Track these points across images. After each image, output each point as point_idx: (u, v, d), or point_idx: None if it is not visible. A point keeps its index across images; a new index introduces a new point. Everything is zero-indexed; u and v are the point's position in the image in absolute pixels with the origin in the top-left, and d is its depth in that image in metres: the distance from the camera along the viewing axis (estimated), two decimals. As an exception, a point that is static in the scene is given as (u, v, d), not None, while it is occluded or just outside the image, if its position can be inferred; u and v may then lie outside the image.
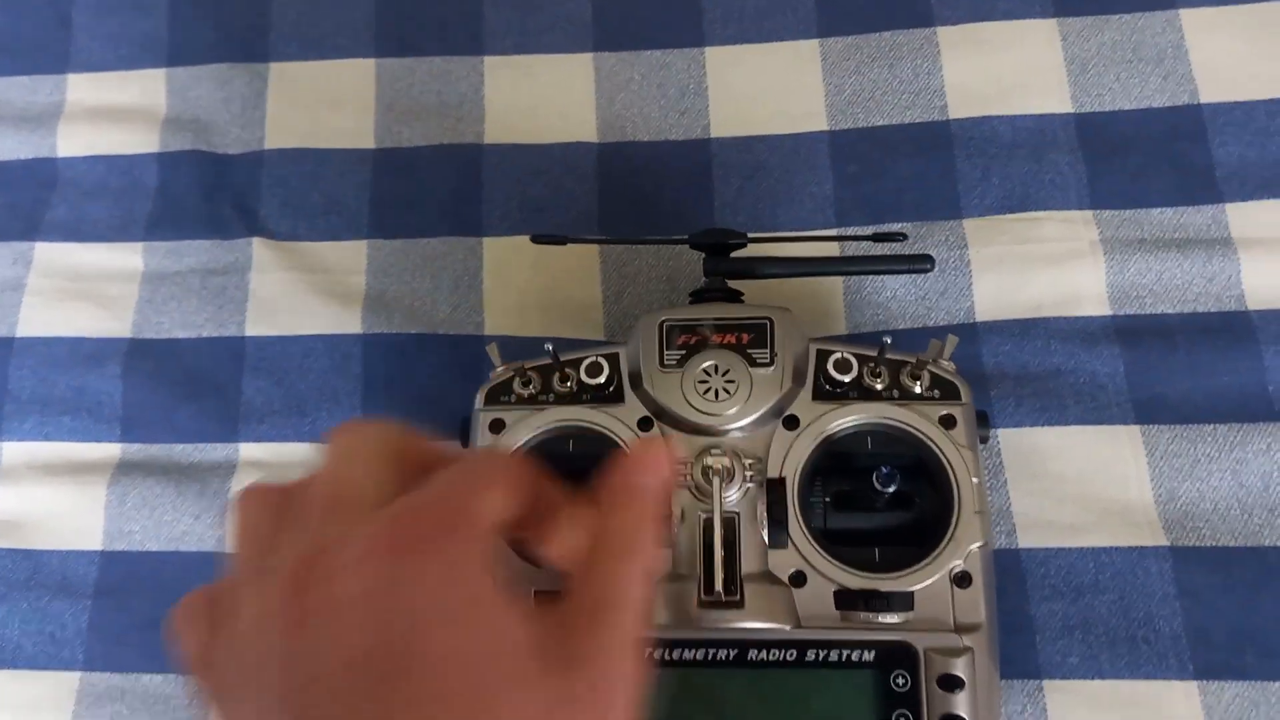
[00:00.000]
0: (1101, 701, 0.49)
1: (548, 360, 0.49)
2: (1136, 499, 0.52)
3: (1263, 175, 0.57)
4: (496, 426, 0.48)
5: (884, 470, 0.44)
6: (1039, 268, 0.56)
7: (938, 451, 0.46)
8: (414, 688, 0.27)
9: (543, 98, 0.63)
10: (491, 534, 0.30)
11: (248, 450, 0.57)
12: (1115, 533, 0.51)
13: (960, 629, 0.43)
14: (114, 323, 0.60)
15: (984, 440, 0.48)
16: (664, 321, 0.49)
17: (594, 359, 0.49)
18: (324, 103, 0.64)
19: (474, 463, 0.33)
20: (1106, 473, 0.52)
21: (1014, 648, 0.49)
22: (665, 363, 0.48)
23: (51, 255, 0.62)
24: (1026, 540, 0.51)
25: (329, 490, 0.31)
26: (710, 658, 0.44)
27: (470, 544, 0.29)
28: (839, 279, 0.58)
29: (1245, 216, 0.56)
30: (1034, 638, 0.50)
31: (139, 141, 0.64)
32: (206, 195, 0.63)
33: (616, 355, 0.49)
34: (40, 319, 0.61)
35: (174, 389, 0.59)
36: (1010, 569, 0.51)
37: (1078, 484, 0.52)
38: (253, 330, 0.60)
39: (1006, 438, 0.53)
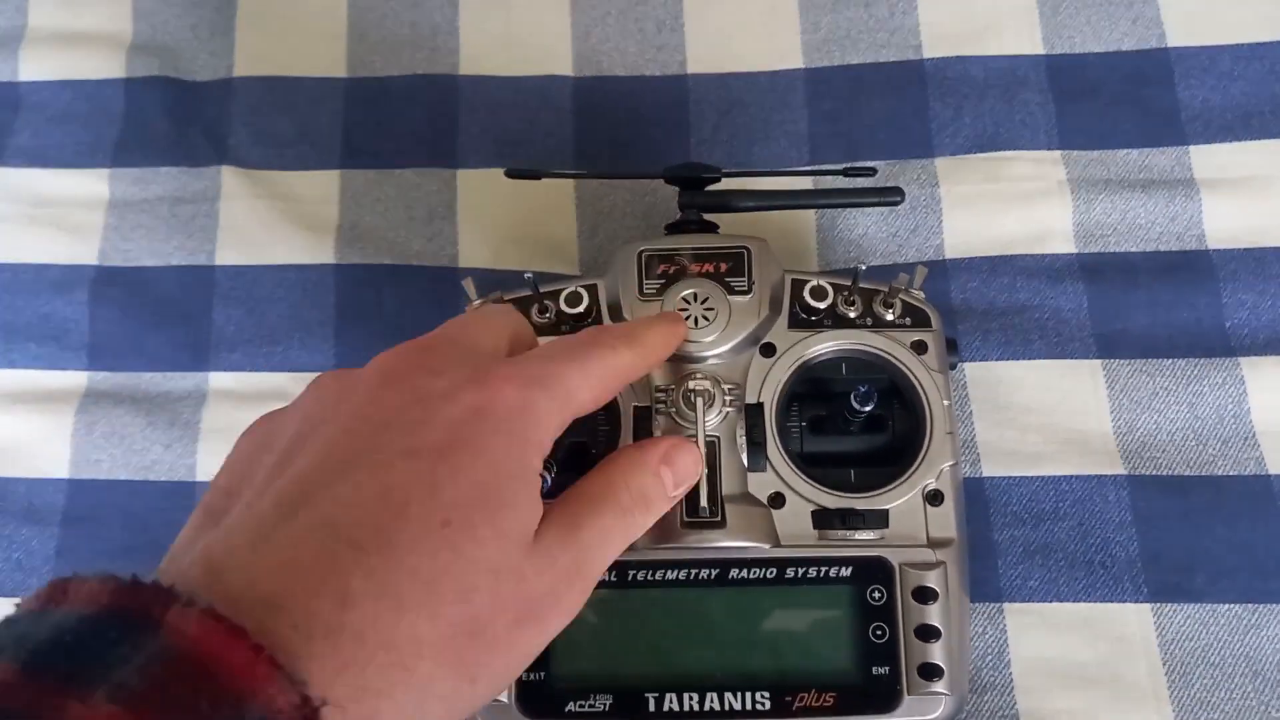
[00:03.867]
0: (1059, 623, 0.50)
1: (527, 291, 0.49)
2: (1096, 430, 0.53)
3: (1226, 119, 0.58)
4: None
5: (861, 389, 0.45)
6: (1008, 206, 0.57)
7: (910, 375, 0.47)
8: (450, 493, 0.32)
9: (518, 30, 0.63)
10: (568, 410, 0.36)
11: (218, 379, 0.57)
12: (1075, 462, 0.53)
13: (933, 544, 0.45)
14: (81, 249, 0.59)
15: (953, 367, 0.49)
16: (642, 251, 0.49)
17: (573, 289, 0.49)
18: (295, 30, 0.63)
19: (579, 345, 0.39)
20: (1068, 404, 0.54)
21: (976, 572, 0.50)
22: (645, 292, 0.48)
23: (15, 180, 0.61)
24: (990, 469, 0.53)
25: (455, 333, 0.38)
26: (693, 577, 0.45)
27: (547, 409, 0.35)
28: (812, 216, 0.59)
29: (1208, 158, 0.58)
30: (996, 562, 0.51)
31: (105, 67, 0.63)
32: (175, 122, 0.62)
33: (595, 286, 0.49)
34: (4, 244, 0.59)
35: (143, 317, 0.58)
36: (974, 497, 0.52)
37: (1040, 415, 0.54)
38: (223, 259, 0.59)
39: (972, 371, 0.55)
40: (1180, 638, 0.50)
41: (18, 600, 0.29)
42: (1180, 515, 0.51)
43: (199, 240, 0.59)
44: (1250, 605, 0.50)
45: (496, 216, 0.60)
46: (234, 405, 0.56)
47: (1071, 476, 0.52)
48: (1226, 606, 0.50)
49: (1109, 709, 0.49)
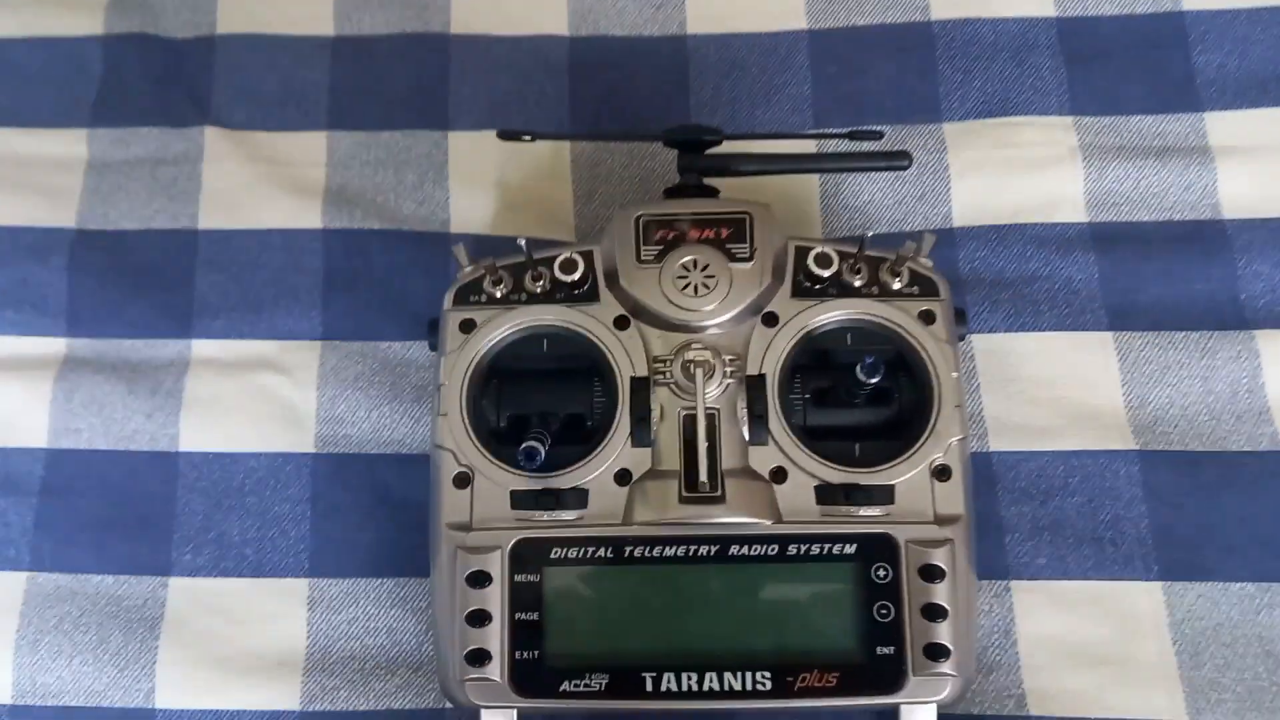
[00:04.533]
0: (1067, 601, 0.49)
1: (520, 258, 0.47)
2: (1107, 403, 0.52)
3: (1241, 84, 0.57)
4: (467, 326, 0.47)
5: (868, 360, 0.43)
6: (1018, 173, 0.56)
7: (918, 346, 0.45)
8: None
9: (512, -13, 0.60)
10: None
11: (201, 347, 0.55)
12: (1086, 436, 0.51)
13: (940, 520, 0.43)
14: (58, 212, 0.57)
15: (961, 338, 0.48)
16: (640, 216, 0.47)
17: (568, 256, 0.47)
18: (278, -15, 0.61)
19: None
20: (1078, 377, 0.52)
21: (983, 549, 0.49)
22: (642, 258, 0.47)
23: (-11, 141, 0.59)
24: (998, 443, 0.52)
25: None
26: (692, 554, 0.43)
27: None
28: (815, 181, 0.57)
29: (1223, 125, 0.56)
30: (1003, 539, 0.50)
31: (82, 24, 0.60)
32: (155, 81, 0.60)
33: (591, 252, 0.48)
34: (-24, 206, 0.57)
35: (123, 283, 0.56)
36: (981, 471, 0.51)
37: (1050, 388, 0.52)
38: (206, 223, 0.57)
39: (980, 342, 0.53)
40: (1191, 616, 0.48)
41: None
42: (1192, 491, 0.50)
43: (181, 203, 0.57)
44: (1263, 584, 0.49)
45: (489, 180, 0.58)
46: (217, 373, 0.54)
47: (1081, 451, 0.51)
48: (1239, 585, 0.49)
49: (1118, 689, 0.47)
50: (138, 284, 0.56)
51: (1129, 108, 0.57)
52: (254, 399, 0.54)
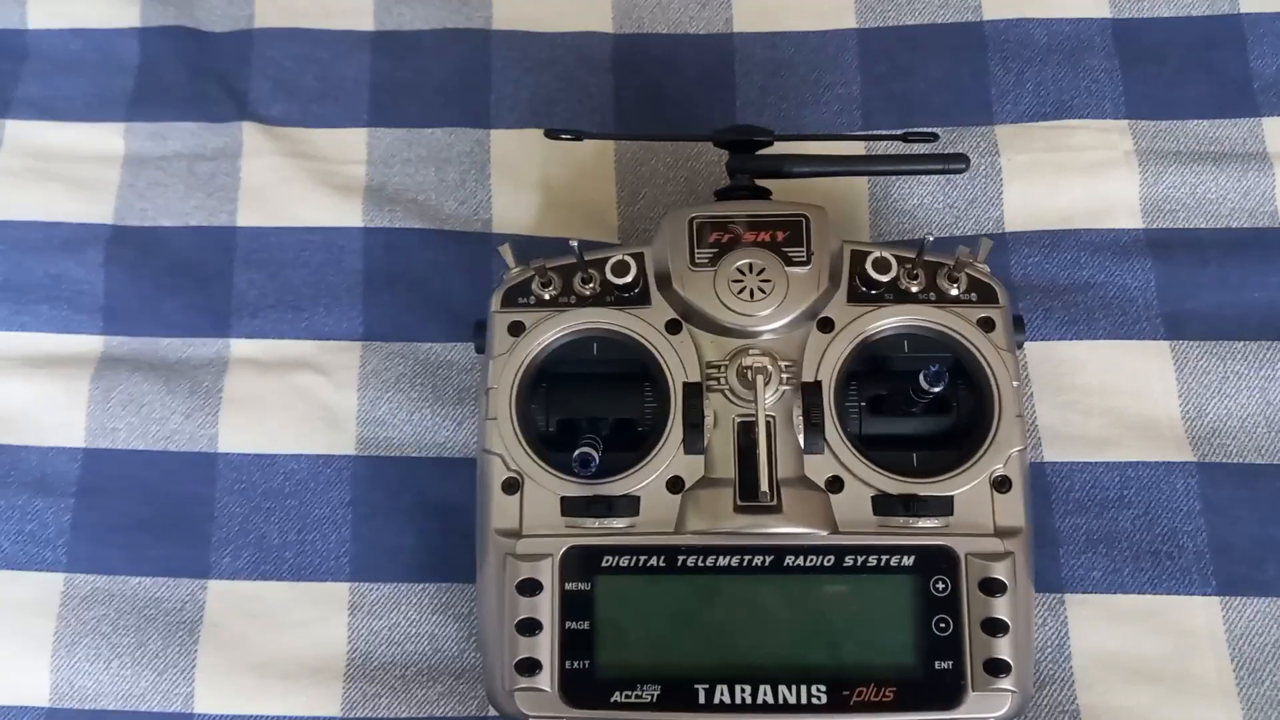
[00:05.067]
0: (1123, 616, 0.48)
1: (570, 259, 0.47)
2: (1164, 414, 0.51)
3: (1301, 89, 0.56)
4: (516, 329, 0.46)
5: (932, 368, 0.42)
6: (1071, 177, 0.55)
7: (977, 354, 0.45)
8: None
9: (555, -18, 0.60)
10: None
11: (240, 346, 0.54)
12: (1142, 448, 0.50)
13: (1000, 533, 0.43)
14: (94, 207, 0.56)
15: (1020, 345, 0.47)
16: (694, 218, 0.46)
17: (620, 258, 0.46)
18: (318, -21, 0.60)
19: None
20: (1134, 387, 0.51)
21: (1037, 561, 0.48)
22: (696, 261, 0.46)
23: (23, 133, 0.58)
24: (1052, 454, 0.51)
25: None
26: (746, 564, 0.42)
27: None
28: (864, 184, 0.56)
29: (1282, 131, 0.55)
30: (1057, 551, 0.49)
31: (118, 15, 0.60)
32: (191, 75, 0.59)
33: (642, 254, 0.47)
34: (12, 200, 0.56)
35: (160, 280, 0.55)
36: (1035, 482, 0.50)
37: (1105, 398, 0.51)
38: (245, 220, 0.56)
39: (1033, 350, 0.52)
40: (1250, 632, 0.48)
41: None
42: (1251, 504, 0.49)
43: (219, 200, 0.57)
44: (1324, 600, 0.48)
45: (532, 179, 0.57)
46: (257, 374, 0.53)
47: (1138, 463, 0.50)
48: (1299, 601, 0.48)
49: (1174, 706, 0.47)
50: (175, 281, 0.55)
51: (1185, 111, 0.56)
52: (294, 400, 0.53)
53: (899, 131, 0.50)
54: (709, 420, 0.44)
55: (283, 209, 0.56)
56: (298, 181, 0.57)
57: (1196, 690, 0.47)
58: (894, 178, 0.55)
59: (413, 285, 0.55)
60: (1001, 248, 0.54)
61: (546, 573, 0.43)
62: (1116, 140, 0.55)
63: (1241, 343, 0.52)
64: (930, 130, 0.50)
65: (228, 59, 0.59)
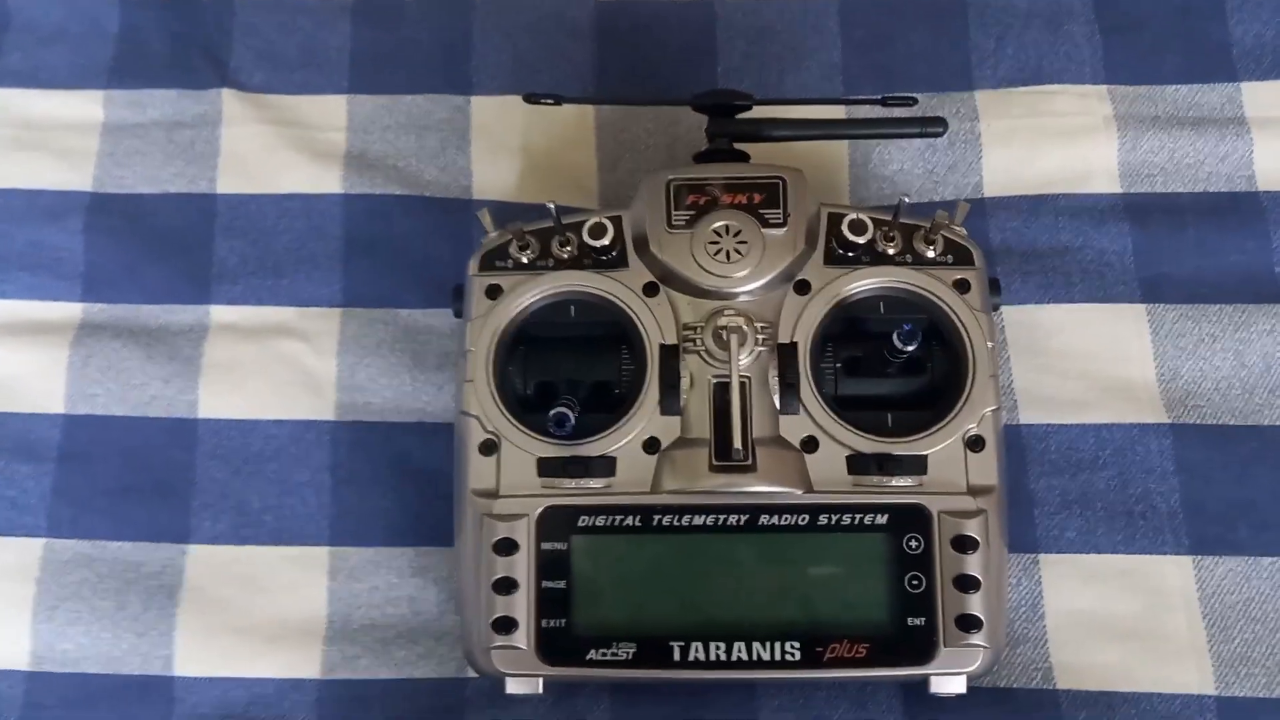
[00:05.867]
0: (1096, 575, 0.49)
1: (547, 223, 0.47)
2: (1139, 376, 0.51)
3: (1279, 55, 0.56)
4: (493, 293, 0.46)
5: (905, 327, 0.42)
6: (1050, 143, 0.55)
7: (952, 315, 0.45)
8: None
9: (536, -53, 0.59)
10: None
11: (219, 313, 0.54)
12: (1117, 409, 0.51)
13: (974, 491, 0.43)
14: (73, 175, 0.56)
15: (996, 308, 0.47)
16: (671, 180, 0.47)
17: (597, 221, 0.46)
18: (297, -55, 0.60)
19: None
20: (1110, 350, 0.52)
21: (1012, 522, 0.48)
22: (673, 223, 0.46)
23: (4, 101, 0.58)
24: (1028, 416, 0.51)
25: None
26: (721, 523, 0.43)
27: None
28: (844, 150, 0.56)
29: (1260, 96, 0.55)
30: (1032, 512, 0.50)
31: (96, -17, 0.59)
32: (172, 42, 0.59)
33: (620, 217, 0.47)
34: (-7, 168, 0.56)
35: (140, 247, 0.55)
36: (1011, 444, 0.50)
37: (1081, 361, 0.52)
38: (225, 187, 0.56)
39: (1011, 314, 0.52)
40: (1221, 591, 0.48)
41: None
42: (1224, 466, 0.50)
43: (199, 167, 0.56)
44: (1296, 559, 0.48)
45: (512, 146, 0.57)
46: (237, 340, 0.53)
47: (1112, 425, 0.50)
48: (1270, 560, 0.48)
49: (1146, 663, 0.47)
50: (155, 248, 0.55)
51: (1164, 77, 0.56)
52: (274, 366, 0.53)
53: (878, 96, 0.50)
54: (685, 381, 0.44)
55: (263, 176, 0.56)
56: (278, 148, 0.56)
57: (1168, 648, 0.47)
58: (874, 143, 0.56)
59: (393, 251, 0.55)
60: (980, 213, 0.54)
61: (523, 532, 0.43)
62: (1095, 105, 0.55)
63: (1217, 306, 0.52)
64: (909, 95, 0.50)
65: (209, 26, 0.59)
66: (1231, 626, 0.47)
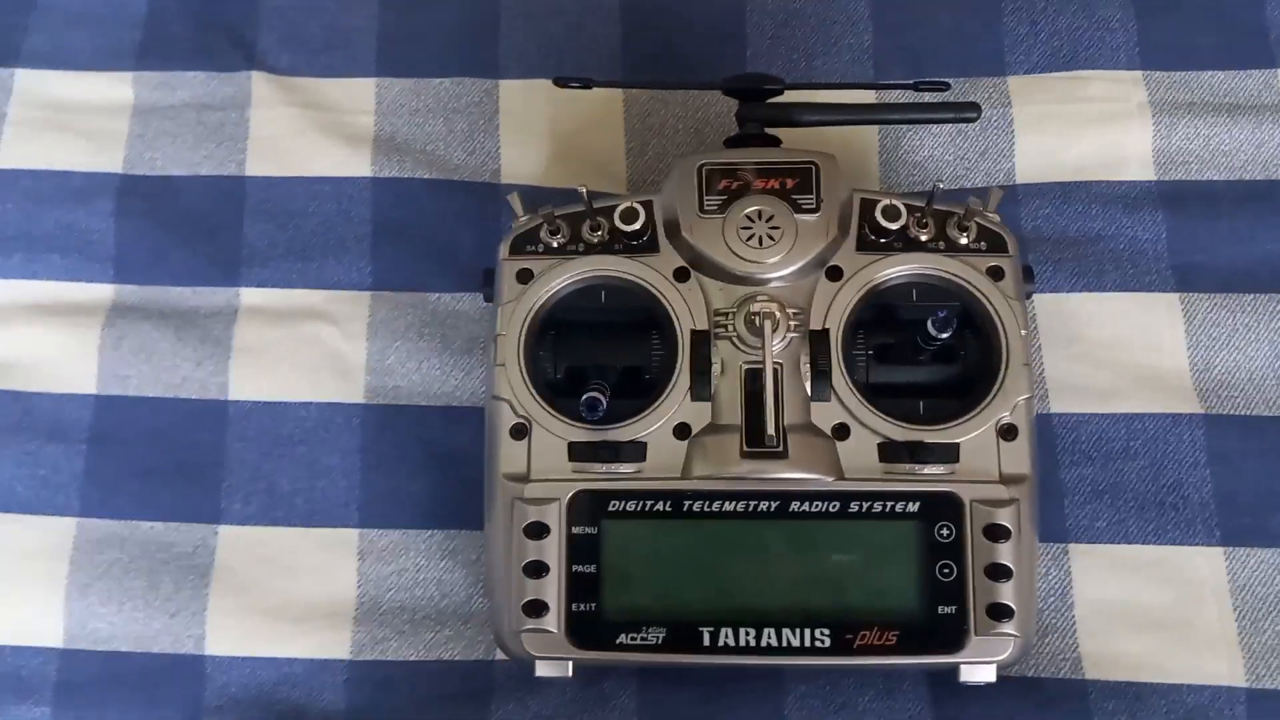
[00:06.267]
0: (1126, 566, 0.48)
1: (579, 207, 0.47)
2: (1172, 366, 0.51)
3: (1317, 40, 0.55)
4: (524, 277, 0.46)
5: (940, 314, 0.42)
6: (1084, 129, 0.54)
7: (986, 303, 0.45)
8: None
9: (564, -70, 0.59)
10: None
11: (249, 295, 0.54)
12: (1149, 399, 0.50)
13: (1006, 480, 0.43)
14: (103, 157, 0.56)
15: (1029, 296, 0.47)
16: (703, 165, 0.46)
17: (629, 205, 0.46)
18: (325, -74, 0.59)
19: None
20: (1143, 339, 0.51)
21: (1042, 511, 0.48)
22: (705, 208, 0.46)
23: (33, 83, 0.58)
24: (1059, 405, 0.51)
25: None
26: (752, 509, 0.43)
27: None
28: (874, 135, 0.55)
29: (1297, 82, 0.55)
30: (1062, 502, 0.49)
31: (123, -36, 0.59)
32: (199, 24, 0.59)
33: (651, 202, 0.47)
34: (23, 150, 0.56)
35: (170, 229, 0.55)
36: (1042, 433, 0.50)
37: (1113, 350, 0.51)
38: (254, 170, 0.56)
39: (1042, 302, 0.52)
40: (1253, 583, 0.48)
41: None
42: (1257, 456, 0.49)
43: (228, 150, 0.56)
44: (1328, 551, 0.48)
45: (540, 130, 0.57)
46: (267, 323, 0.54)
47: (1144, 414, 0.50)
48: (1302, 551, 0.48)
49: (1176, 654, 0.47)
50: (185, 231, 0.55)
51: (1200, 62, 0.55)
52: (303, 349, 0.53)
53: (910, 81, 0.50)
54: (716, 367, 0.44)
55: (291, 159, 0.56)
56: (306, 132, 0.56)
57: (1198, 640, 0.47)
58: (905, 129, 0.55)
59: (421, 235, 0.55)
60: (1013, 199, 0.54)
61: (554, 516, 0.43)
62: (1130, 91, 0.55)
63: (1252, 295, 0.51)
64: (942, 80, 0.50)
65: (234, 10, 0.59)
66: (1263, 618, 0.47)
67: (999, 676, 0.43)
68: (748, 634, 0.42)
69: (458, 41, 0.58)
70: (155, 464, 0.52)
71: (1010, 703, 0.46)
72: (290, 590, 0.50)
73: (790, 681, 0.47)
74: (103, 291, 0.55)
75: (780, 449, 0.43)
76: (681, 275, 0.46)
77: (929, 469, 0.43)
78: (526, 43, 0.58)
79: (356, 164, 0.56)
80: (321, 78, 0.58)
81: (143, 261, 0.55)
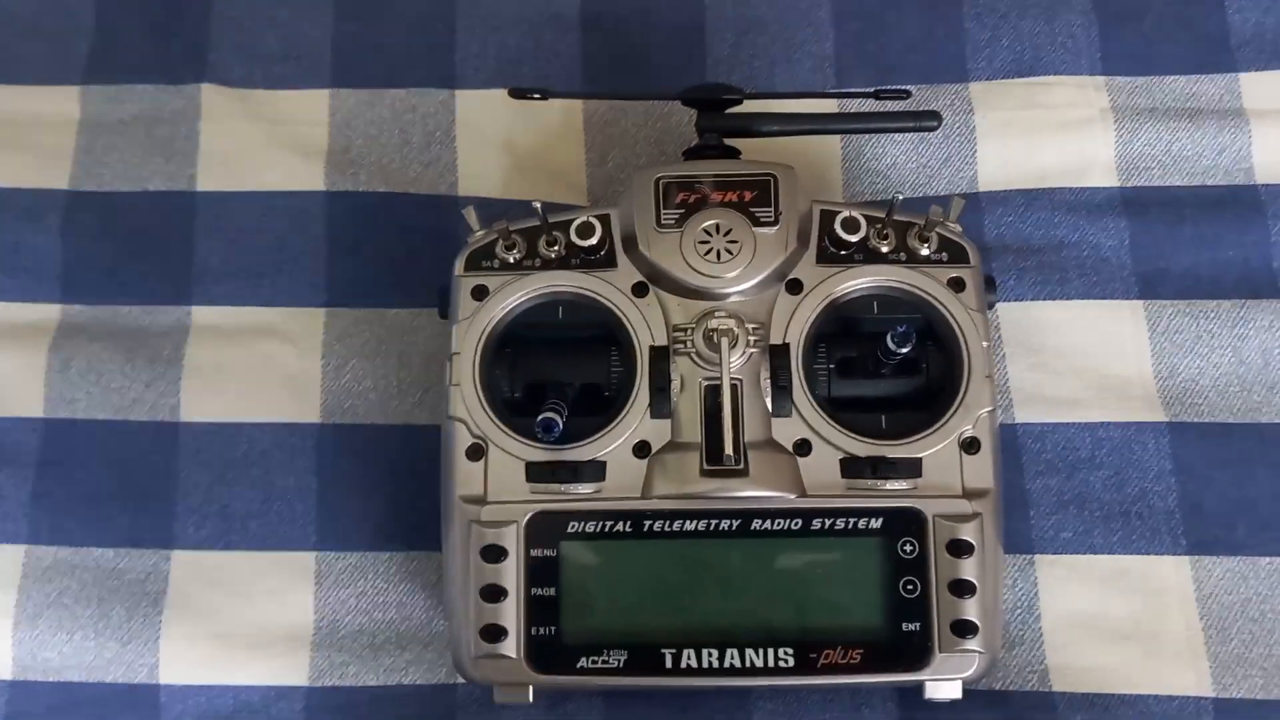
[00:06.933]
0: (1092, 576, 0.48)
1: (534, 221, 0.46)
2: (1136, 374, 0.51)
3: (1278, 44, 0.55)
4: (479, 293, 0.45)
5: (900, 328, 0.42)
6: (1047, 135, 0.54)
7: (947, 315, 0.44)
8: None
9: (521, -62, 0.58)
10: None
11: (201, 314, 0.53)
12: (1113, 408, 0.50)
13: (969, 494, 0.42)
14: (50, 173, 0.55)
15: (991, 306, 0.46)
16: (660, 178, 0.46)
17: (585, 220, 0.45)
18: (278, -65, 0.58)
19: None
20: (1107, 348, 0.51)
21: (1007, 523, 0.47)
22: (663, 222, 0.45)
23: (-24, 97, 0.57)
24: (1024, 415, 0.50)
25: None
26: (713, 528, 0.42)
27: None
28: (837, 144, 0.55)
29: (1259, 87, 0.55)
30: (1028, 513, 0.49)
31: (71, -26, 0.58)
32: (150, 36, 0.57)
33: (608, 216, 0.46)
34: (-35, 166, 0.55)
35: (119, 247, 0.54)
36: (1007, 444, 0.49)
37: (1077, 359, 0.51)
38: (205, 185, 0.55)
39: (1006, 311, 0.52)
40: (1219, 592, 0.47)
41: None
42: (1222, 464, 0.49)
43: (178, 164, 0.55)
44: (1294, 559, 0.48)
45: (498, 142, 0.56)
46: (220, 341, 0.53)
47: (1109, 423, 0.50)
48: (1268, 560, 0.48)
49: (1143, 665, 0.47)
50: (134, 248, 0.54)
51: (1162, 68, 0.55)
52: (257, 368, 0.52)
53: (870, 89, 0.49)
54: (676, 384, 0.43)
55: (244, 173, 0.55)
56: (259, 145, 0.55)
57: (1165, 649, 0.47)
58: (867, 137, 0.55)
59: (377, 250, 0.54)
60: (976, 207, 0.53)
61: (511, 539, 0.42)
62: (1092, 97, 0.55)
63: (1215, 302, 0.51)
64: (903, 88, 0.50)
65: (186, 19, 0.58)
66: (1229, 627, 0.47)
67: (966, 690, 0.43)
68: (710, 655, 0.42)
69: (414, 52, 0.57)
70: (105, 488, 0.51)
71: (978, 716, 0.46)
72: (246, 616, 0.49)
73: (757, 699, 0.46)
74: (50, 312, 0.53)
75: (741, 467, 0.42)
76: (640, 290, 0.45)
77: (891, 484, 0.42)
78: (484, 53, 0.57)
79: (310, 177, 0.55)
80: (274, 89, 0.57)
81: (91, 280, 0.54)
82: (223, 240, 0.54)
